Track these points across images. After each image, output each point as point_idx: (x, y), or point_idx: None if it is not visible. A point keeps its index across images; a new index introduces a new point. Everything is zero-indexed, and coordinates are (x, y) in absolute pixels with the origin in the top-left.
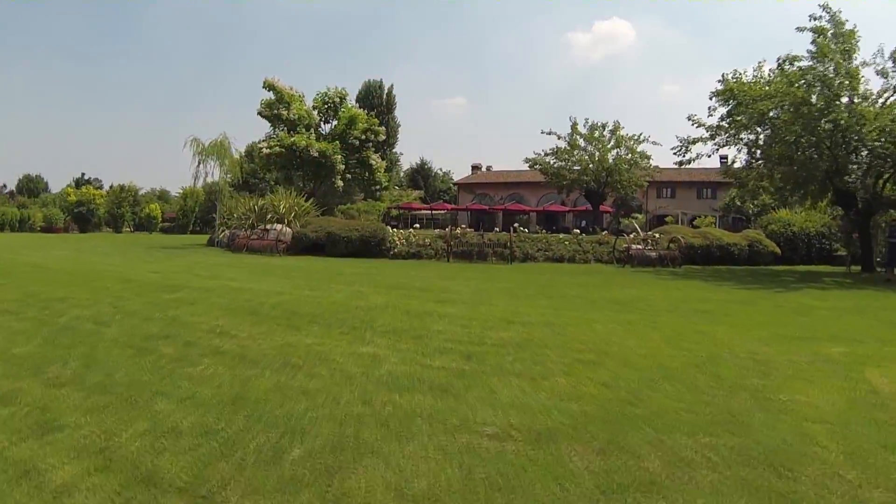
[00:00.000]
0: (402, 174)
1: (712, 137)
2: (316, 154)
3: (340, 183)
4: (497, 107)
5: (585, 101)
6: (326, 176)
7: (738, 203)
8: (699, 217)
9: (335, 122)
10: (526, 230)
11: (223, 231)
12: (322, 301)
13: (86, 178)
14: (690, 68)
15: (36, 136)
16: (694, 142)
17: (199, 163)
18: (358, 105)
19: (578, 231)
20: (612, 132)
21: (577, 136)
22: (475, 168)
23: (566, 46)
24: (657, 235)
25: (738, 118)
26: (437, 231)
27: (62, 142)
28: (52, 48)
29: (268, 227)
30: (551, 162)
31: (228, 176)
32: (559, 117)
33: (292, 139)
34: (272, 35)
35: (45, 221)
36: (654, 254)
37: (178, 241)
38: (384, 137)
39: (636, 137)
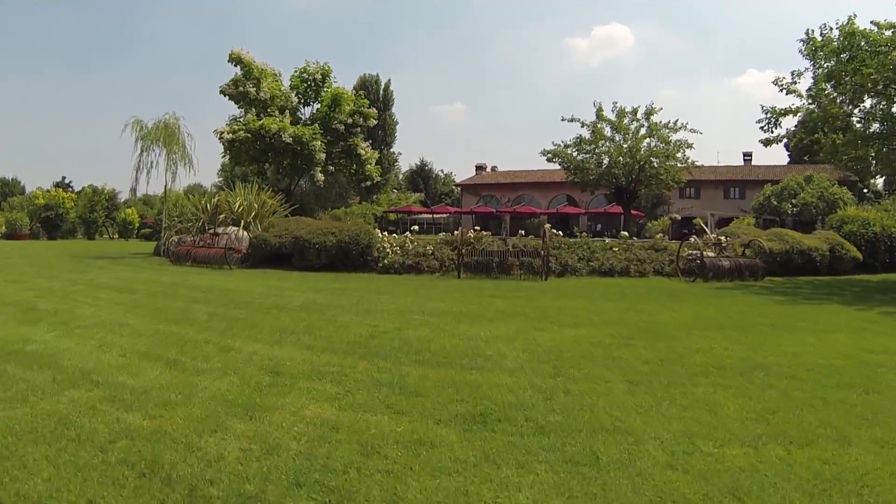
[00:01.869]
0: (400, 176)
1: (816, 104)
2: (290, 140)
3: (321, 176)
4: (496, 112)
5: (584, 106)
6: (305, 168)
7: (775, 202)
8: (736, 218)
9: (317, 106)
10: (560, 233)
11: (170, 237)
12: (122, 432)
13: (67, 181)
14: (689, 73)
15: (21, 139)
16: (784, 113)
17: (142, 151)
18: None
19: (627, 234)
20: (646, 115)
21: (603, 124)
22: (479, 168)
23: (565, 52)
24: (724, 239)
25: (869, 70)
26: (441, 235)
27: (49, 146)
28: (43, 51)
29: (220, 230)
30: (573, 154)
31: (196, 172)
32: (559, 122)
33: (261, 122)
34: (269, 40)
35: (7, 227)
36: (727, 263)
37: (131, 249)
38: (375, 122)
39: (671, 125)
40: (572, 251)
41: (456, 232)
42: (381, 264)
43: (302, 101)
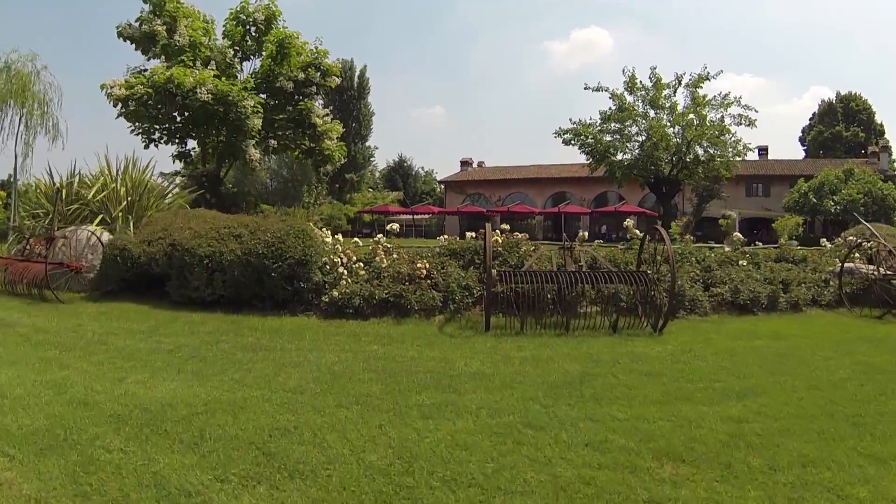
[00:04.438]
0: (377, 174)
1: None
2: (208, 98)
3: (255, 153)
4: (476, 116)
5: (565, 110)
6: (234, 141)
7: (814, 199)
8: (781, 217)
9: (260, 60)
10: (669, 235)
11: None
12: None
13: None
14: (668, 76)
15: None
16: None
17: None
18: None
19: (741, 237)
20: (693, 85)
21: (636, 97)
22: (465, 164)
23: (543, 55)
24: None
25: None
26: (442, 240)
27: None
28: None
29: (68, 232)
30: (598, 135)
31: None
32: (538, 125)
33: (169, 72)
34: None
35: None
36: None
37: None
38: (339, 80)
39: (722, 99)
40: (680, 269)
41: (470, 235)
42: (327, 297)
43: (239, 54)
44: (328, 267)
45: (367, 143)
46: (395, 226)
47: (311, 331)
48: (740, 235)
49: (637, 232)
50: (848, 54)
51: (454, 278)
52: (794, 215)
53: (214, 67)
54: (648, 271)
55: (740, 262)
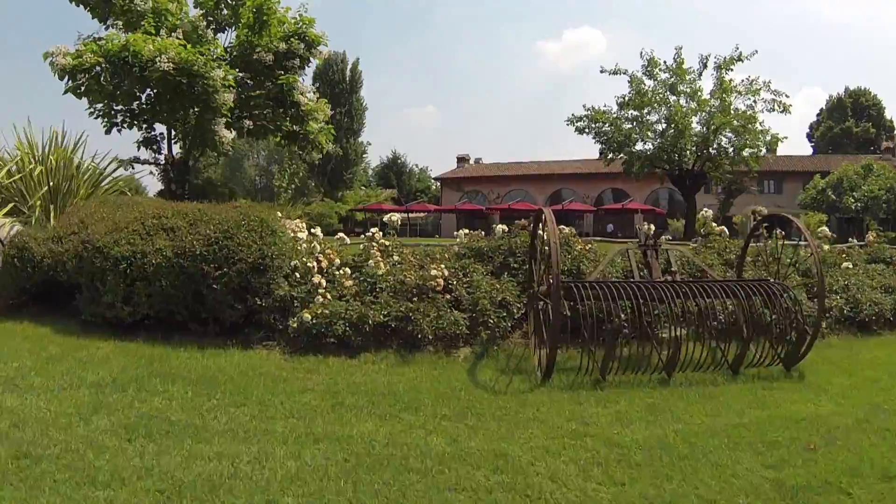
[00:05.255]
0: (370, 171)
1: None
2: (169, 67)
3: (227, 134)
4: (468, 116)
5: (558, 110)
6: (203, 121)
7: (833, 196)
8: (804, 214)
9: (236, 31)
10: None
11: None
12: None
13: None
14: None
15: None
16: None
17: None
18: (314, 84)
19: (827, 231)
20: (722, 68)
21: (657, 79)
22: (461, 160)
23: (536, 55)
24: None
25: None
26: (461, 236)
27: None
28: None
29: None
30: (616, 121)
31: None
32: (531, 125)
33: (125, 39)
34: None
35: None
36: None
37: None
38: (326, 48)
39: (751, 84)
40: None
41: (499, 227)
42: (296, 321)
43: (214, 25)
44: (299, 275)
45: (360, 139)
46: (396, 217)
47: (265, 382)
48: (827, 230)
49: (714, 225)
50: (840, 55)
51: (485, 291)
52: (813, 213)
53: (182, 37)
54: (771, 279)
55: (843, 265)
